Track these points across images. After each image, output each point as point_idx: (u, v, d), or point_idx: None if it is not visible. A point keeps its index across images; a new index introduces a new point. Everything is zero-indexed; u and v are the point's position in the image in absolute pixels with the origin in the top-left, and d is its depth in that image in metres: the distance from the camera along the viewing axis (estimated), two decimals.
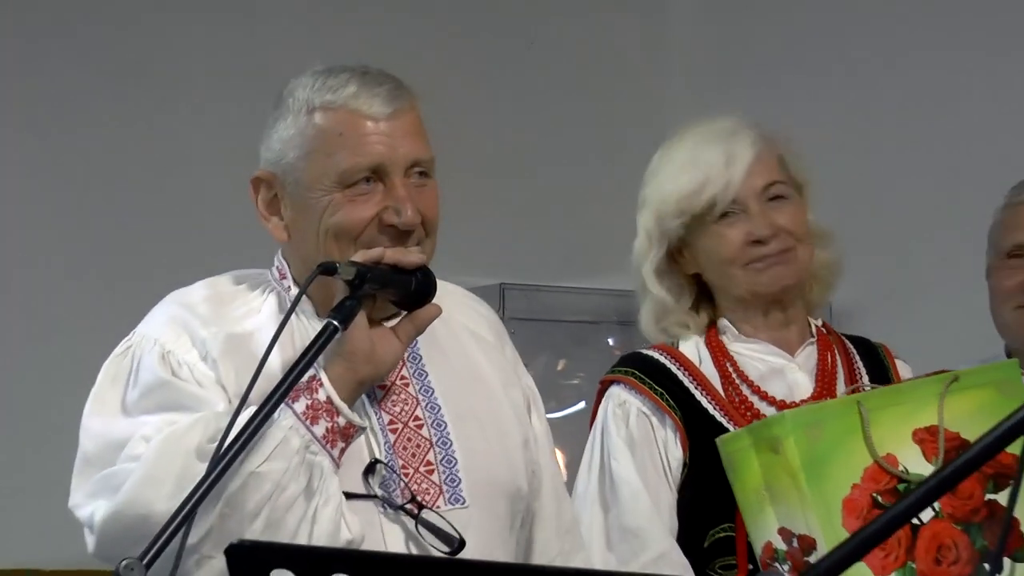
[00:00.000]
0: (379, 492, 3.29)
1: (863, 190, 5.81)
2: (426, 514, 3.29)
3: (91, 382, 3.38)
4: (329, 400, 3.22)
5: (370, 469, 3.29)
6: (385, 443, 3.33)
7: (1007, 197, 4.47)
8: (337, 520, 3.21)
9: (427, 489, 3.33)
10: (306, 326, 3.28)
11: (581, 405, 5.77)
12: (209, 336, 3.30)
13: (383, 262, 3.23)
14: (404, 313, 3.31)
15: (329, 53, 5.52)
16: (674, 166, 3.99)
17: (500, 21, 6.68)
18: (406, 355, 3.38)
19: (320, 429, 3.22)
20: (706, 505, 3.85)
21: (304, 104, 3.31)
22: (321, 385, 3.22)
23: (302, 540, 3.13)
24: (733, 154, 3.93)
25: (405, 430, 3.36)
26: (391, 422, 3.35)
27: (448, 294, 3.41)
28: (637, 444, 3.90)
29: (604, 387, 4.01)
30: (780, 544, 3.63)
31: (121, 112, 6.07)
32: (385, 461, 3.30)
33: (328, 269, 3.17)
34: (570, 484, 4.00)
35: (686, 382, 3.95)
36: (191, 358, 3.28)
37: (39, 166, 6.00)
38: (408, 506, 3.29)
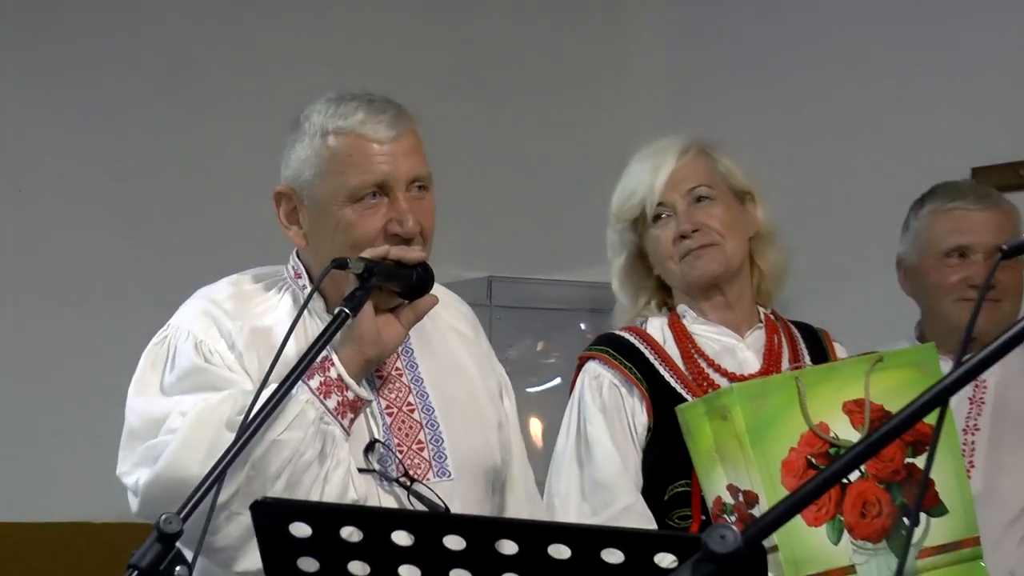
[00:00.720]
0: (377, 467, 3.33)
1: (804, 196, 5.80)
2: (417, 486, 3.33)
3: (130, 359, 3.42)
4: (340, 377, 3.27)
5: (370, 447, 3.33)
6: (383, 425, 3.37)
7: (935, 203, 4.44)
8: (346, 481, 3.26)
9: (418, 464, 3.38)
10: (317, 322, 3.31)
11: (557, 381, 5.75)
12: (235, 329, 3.34)
13: (388, 258, 3.27)
14: (406, 302, 3.34)
15: (339, 70, 5.66)
16: (621, 184, 4.02)
17: (493, 41, 6.65)
18: (400, 350, 3.42)
19: (332, 403, 3.27)
20: (666, 464, 3.87)
21: (319, 128, 3.34)
22: (333, 364, 3.27)
23: (315, 498, 3.18)
24: (658, 164, 3.94)
25: (399, 414, 3.40)
26: (387, 407, 3.40)
27: (436, 292, 3.42)
28: (609, 411, 3.92)
29: (581, 362, 4.02)
30: (728, 498, 3.64)
31: (162, 128, 6.06)
32: (383, 440, 3.35)
33: (340, 264, 3.21)
34: (549, 448, 4.05)
35: (651, 358, 3.96)
36: (220, 347, 3.32)
37: (91, 180, 6.01)
38: (402, 479, 3.33)
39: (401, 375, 3.46)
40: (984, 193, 4.42)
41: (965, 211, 4.34)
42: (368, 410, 3.36)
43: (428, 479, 3.37)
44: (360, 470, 3.32)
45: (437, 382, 3.49)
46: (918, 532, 3.71)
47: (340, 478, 3.26)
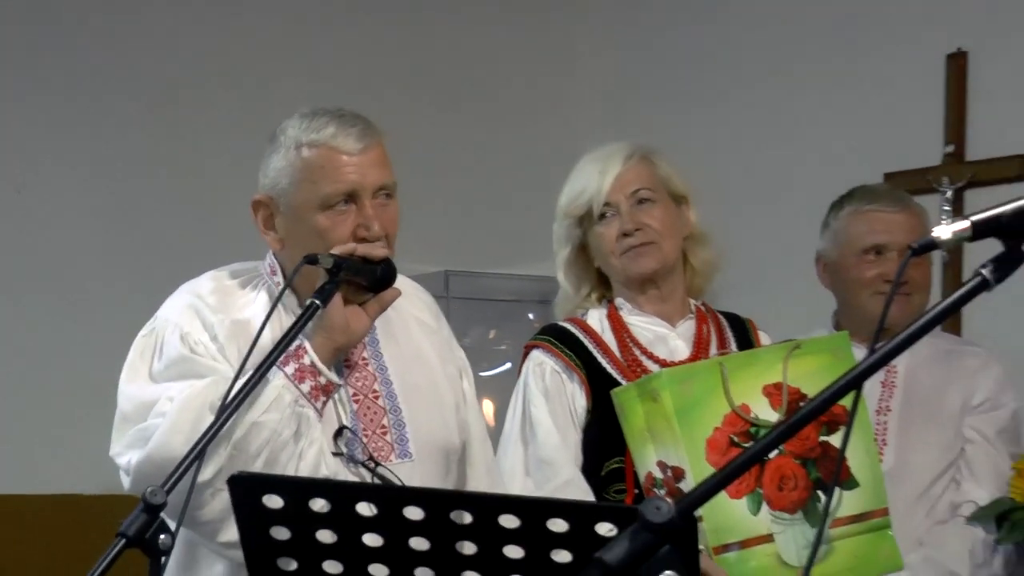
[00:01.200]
0: (345, 451, 3.34)
1: (733, 197, 5.82)
2: (380, 469, 3.35)
3: (119, 347, 3.43)
4: (313, 364, 3.29)
5: (339, 433, 3.34)
6: (350, 411, 3.39)
7: (853, 205, 4.44)
8: (319, 459, 3.28)
9: (382, 448, 3.39)
10: (291, 315, 3.31)
11: (507, 365, 5.75)
12: (217, 322, 3.35)
13: (356, 254, 3.30)
14: (371, 295, 3.36)
15: (313, 78, 5.66)
16: (569, 184, 4.04)
17: (451, 52, 6.64)
18: (366, 339, 3.44)
19: (306, 387, 3.29)
20: (603, 443, 3.88)
21: (293, 141, 3.35)
22: (306, 352, 3.29)
23: (291, 473, 3.20)
24: (606, 168, 3.95)
25: (365, 400, 3.42)
26: (354, 394, 3.41)
27: (400, 284, 3.44)
28: (551, 395, 3.93)
29: (527, 351, 4.03)
30: (658, 473, 3.66)
31: (153, 134, 6.05)
32: (350, 427, 3.36)
33: (312, 260, 3.24)
34: (500, 425, 4.06)
35: (590, 347, 3.97)
36: (204, 338, 3.33)
37: (86, 182, 6.00)
38: (367, 462, 3.34)
39: (367, 364, 3.47)
40: (898, 197, 4.43)
41: (881, 213, 4.35)
42: (336, 397, 3.38)
43: (391, 461, 3.38)
44: (332, 452, 3.33)
45: (400, 370, 3.50)
46: (832, 503, 3.73)
47: (314, 456, 3.28)
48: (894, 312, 4.12)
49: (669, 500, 1.99)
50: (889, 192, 4.49)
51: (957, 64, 5.74)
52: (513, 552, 2.60)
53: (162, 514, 2.78)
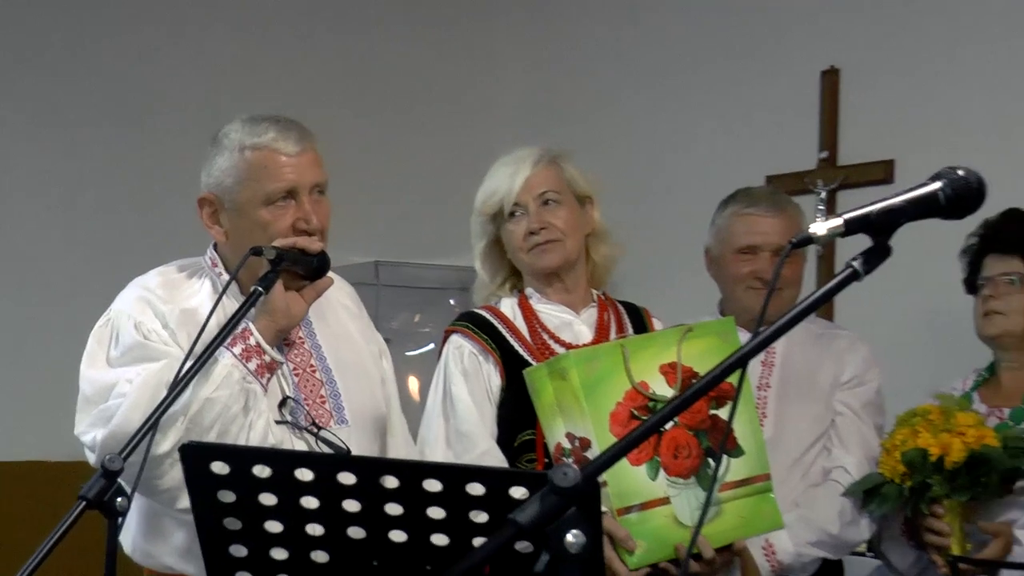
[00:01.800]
0: (290, 419, 3.36)
1: (632, 196, 5.84)
2: (323, 433, 3.37)
3: (79, 330, 3.44)
4: (258, 344, 3.31)
5: (283, 403, 3.36)
6: (292, 384, 3.41)
7: (734, 206, 4.43)
8: (266, 429, 3.29)
9: (321, 415, 3.41)
10: (234, 303, 3.31)
11: (431, 346, 5.76)
12: (167, 311, 3.36)
13: (295, 247, 3.31)
14: (308, 283, 3.37)
15: (257, 88, 5.64)
16: (484, 184, 4.04)
17: (383, 63, 6.66)
18: (301, 323, 3.46)
19: (252, 365, 3.30)
20: (516, 417, 3.89)
21: (237, 145, 3.35)
22: (252, 334, 3.31)
23: (242, 443, 3.21)
24: (516, 171, 3.95)
25: (304, 374, 3.44)
26: (295, 368, 3.43)
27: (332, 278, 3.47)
28: (469, 375, 3.94)
29: (447, 335, 4.04)
30: (566, 444, 3.68)
31: (111, 145, 6.04)
32: (293, 397, 3.38)
33: (257, 252, 3.25)
34: (424, 400, 4.06)
35: (503, 332, 3.98)
36: (156, 326, 3.33)
37: (52, 188, 6.00)
38: (310, 428, 3.37)
39: (304, 342, 3.49)
40: (775, 202, 4.41)
41: (757, 216, 4.35)
42: (280, 372, 3.39)
43: (331, 426, 3.40)
44: (276, 422, 3.34)
45: (332, 347, 3.52)
46: (720, 469, 3.76)
47: (262, 427, 3.29)
48: (771, 305, 4.11)
49: (575, 466, 1.99)
50: (768, 197, 4.48)
51: (830, 80, 5.78)
52: (436, 513, 2.60)
53: (120, 480, 2.76)
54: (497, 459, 3.86)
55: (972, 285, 4.29)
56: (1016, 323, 4.17)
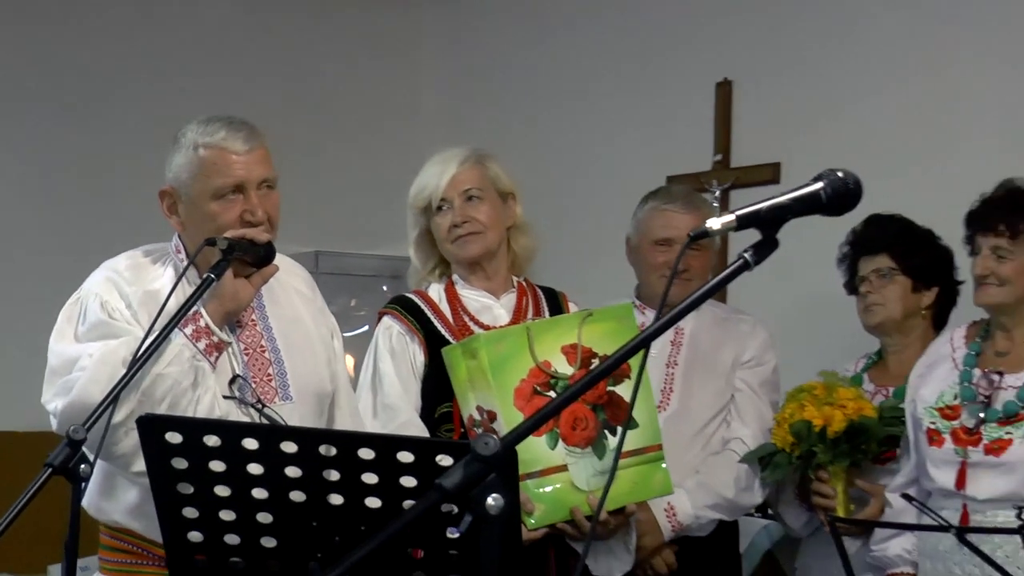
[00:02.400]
0: (238, 395, 3.34)
1: (553, 192, 5.83)
2: (266, 410, 3.35)
3: (50, 309, 3.40)
4: (207, 326, 3.30)
5: (232, 380, 3.34)
6: (242, 362, 3.38)
7: (654, 202, 4.46)
8: (213, 403, 3.27)
9: (267, 392, 3.38)
10: (193, 286, 3.27)
11: (365, 328, 5.73)
12: (131, 292, 3.33)
13: (245, 238, 3.30)
14: (255, 270, 3.36)
15: (209, 89, 5.61)
16: (417, 180, 4.04)
17: (322, 72, 6.65)
18: (254, 304, 3.45)
19: (202, 345, 3.29)
20: (436, 391, 3.89)
21: (192, 143, 3.33)
22: (202, 316, 3.29)
23: (190, 415, 3.19)
24: (444, 169, 3.96)
25: (254, 353, 3.41)
26: (245, 348, 3.40)
27: (281, 261, 3.45)
28: (396, 353, 3.94)
29: (379, 317, 4.04)
30: (477, 416, 3.70)
31: (73, 137, 6.00)
32: (242, 375, 3.36)
33: (211, 242, 3.25)
34: (358, 377, 4.06)
35: (429, 314, 3.97)
36: (120, 306, 3.31)
37: (23, 179, 5.95)
38: (255, 404, 3.34)
39: (255, 324, 3.46)
40: (690, 200, 4.44)
41: (672, 212, 4.37)
42: (231, 350, 3.37)
43: (275, 403, 3.38)
44: (225, 397, 3.32)
45: (281, 329, 3.50)
46: (617, 441, 3.78)
47: (208, 401, 3.27)
48: (676, 292, 4.12)
49: (496, 437, 2.00)
50: (684, 195, 4.50)
51: (724, 91, 5.80)
52: (369, 478, 2.60)
53: (84, 448, 2.75)
54: (418, 428, 3.87)
55: (852, 287, 4.35)
56: (894, 310, 4.23)
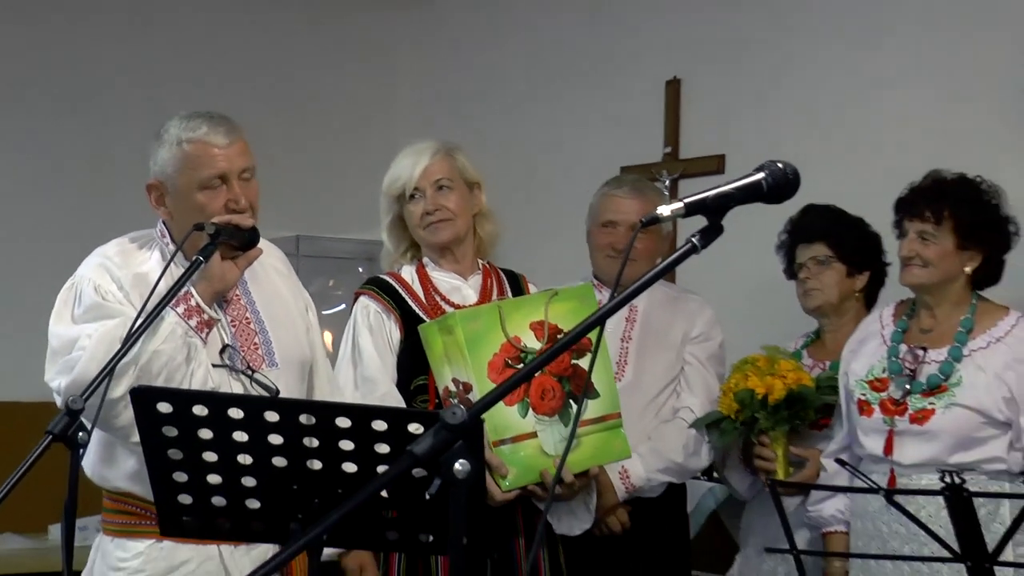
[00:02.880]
0: (228, 363, 3.33)
1: (515, 181, 5.83)
2: (256, 375, 3.35)
3: (49, 290, 3.39)
4: (198, 304, 3.29)
5: (223, 350, 3.33)
6: (230, 334, 3.37)
7: (604, 188, 4.48)
8: (205, 376, 3.27)
9: (255, 359, 3.38)
10: (180, 269, 3.27)
11: (342, 306, 5.71)
12: (122, 275, 3.32)
13: (231, 223, 3.29)
14: (241, 253, 3.35)
15: (196, 86, 5.58)
16: (391, 170, 4.03)
17: (303, 67, 6.62)
18: (238, 284, 3.43)
19: (193, 322, 3.28)
20: (412, 364, 3.87)
21: (175, 139, 3.32)
22: (192, 296, 3.28)
23: (184, 388, 3.19)
24: (416, 161, 3.95)
25: (241, 325, 3.41)
26: (232, 321, 3.40)
27: (264, 244, 3.45)
28: (373, 329, 3.93)
29: (356, 296, 4.02)
30: (452, 387, 3.69)
31: (71, 134, 5.97)
32: (231, 344, 3.35)
33: (199, 227, 3.24)
34: (336, 351, 4.04)
35: (403, 294, 3.96)
36: (112, 288, 3.30)
37: (25, 172, 5.92)
38: (245, 371, 3.34)
39: (240, 299, 3.45)
40: (636, 187, 4.46)
41: (618, 198, 4.38)
42: (220, 324, 3.36)
43: (263, 369, 3.38)
44: (217, 365, 3.32)
45: (264, 303, 3.49)
46: (579, 410, 3.79)
47: (202, 374, 3.27)
48: (624, 272, 4.15)
49: (463, 407, 2.00)
50: (632, 182, 4.51)
51: (673, 88, 5.80)
52: (346, 445, 2.60)
53: (82, 418, 2.75)
54: (396, 399, 3.85)
55: (791, 272, 4.37)
56: (831, 294, 4.25)
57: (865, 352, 3.94)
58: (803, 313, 4.37)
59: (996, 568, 2.85)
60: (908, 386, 3.77)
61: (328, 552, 3.27)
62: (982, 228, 3.78)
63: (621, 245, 4.35)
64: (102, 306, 3.27)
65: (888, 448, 3.76)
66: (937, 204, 3.76)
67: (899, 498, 3.20)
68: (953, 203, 3.76)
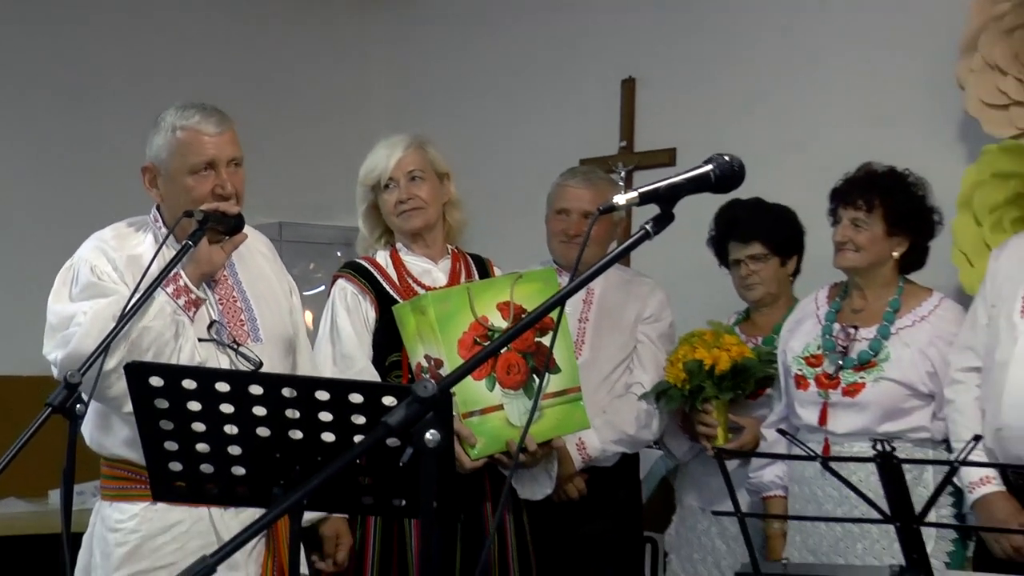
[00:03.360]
0: (215, 337, 3.32)
1: (481, 172, 5.81)
2: (241, 349, 3.35)
3: (50, 271, 3.38)
4: (186, 285, 3.28)
5: (211, 326, 3.33)
6: (218, 311, 3.36)
7: (560, 179, 4.49)
8: (192, 352, 3.26)
9: (241, 334, 3.37)
10: (172, 252, 3.27)
11: (322, 288, 5.68)
12: (117, 257, 3.32)
13: (218, 211, 3.28)
14: (227, 238, 3.35)
15: (186, 80, 5.52)
16: (367, 161, 4.02)
17: (285, 64, 6.59)
18: (226, 266, 3.43)
19: (181, 301, 3.27)
20: (386, 342, 3.86)
21: (170, 126, 3.32)
22: (181, 277, 3.27)
23: (173, 363, 3.19)
24: (391, 153, 3.95)
25: (228, 303, 3.40)
26: (220, 299, 3.39)
27: (250, 231, 3.46)
28: (351, 310, 3.91)
29: (335, 279, 4.01)
30: (424, 363, 3.67)
31: (70, 124, 5.93)
32: (218, 320, 3.35)
33: (189, 214, 3.24)
34: (316, 330, 4.03)
35: (378, 277, 3.94)
36: (108, 269, 3.29)
37: (25, 157, 5.86)
38: (231, 345, 3.33)
39: (228, 280, 3.45)
40: (589, 177, 4.46)
41: (571, 187, 4.39)
42: (208, 302, 3.36)
43: (248, 343, 3.37)
44: (204, 340, 3.31)
45: (250, 283, 3.49)
46: (542, 384, 3.79)
47: (189, 350, 3.26)
48: (571, 257, 4.26)
49: (433, 381, 2.00)
50: (585, 173, 4.52)
51: (628, 87, 5.80)
52: (325, 416, 2.60)
53: (80, 391, 2.76)
54: (372, 375, 3.84)
55: (724, 261, 4.38)
56: (770, 285, 4.30)
57: (802, 331, 3.97)
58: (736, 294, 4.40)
59: (922, 528, 2.87)
60: (840, 362, 3.80)
61: (307, 517, 3.27)
62: (909, 217, 3.81)
63: (573, 231, 4.36)
64: (97, 285, 3.26)
65: (823, 419, 3.79)
66: (869, 194, 3.79)
67: (834, 465, 3.22)
68: (883, 193, 3.79)
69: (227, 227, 3.31)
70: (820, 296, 4.01)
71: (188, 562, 3.17)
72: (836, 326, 3.87)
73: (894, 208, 3.78)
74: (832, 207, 3.91)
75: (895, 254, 3.83)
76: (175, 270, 3.23)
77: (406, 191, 3.93)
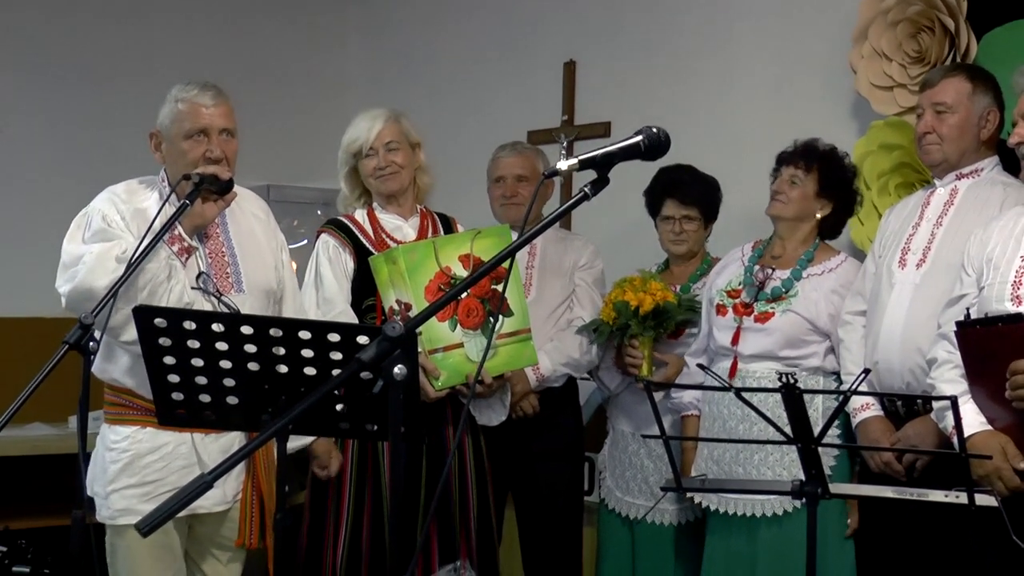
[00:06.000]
0: (202, 286, 3.32)
1: (445, 142, 5.77)
2: (224, 298, 3.34)
3: (66, 219, 3.38)
4: (180, 235, 3.28)
5: (199, 276, 3.32)
6: (207, 263, 3.36)
7: (494, 152, 4.53)
8: (182, 293, 3.27)
9: (225, 285, 3.37)
10: (173, 207, 3.27)
11: (305, 242, 5.62)
12: (125, 209, 3.33)
13: (212, 174, 3.29)
14: (219, 197, 3.34)
15: (188, 61, 5.44)
16: (349, 131, 4.02)
17: (273, 48, 6.49)
18: (219, 221, 3.42)
19: (175, 248, 3.28)
20: (363, 288, 3.86)
21: (174, 97, 3.37)
22: (177, 227, 3.28)
23: (164, 302, 3.20)
24: (372, 125, 3.95)
25: (216, 256, 3.40)
26: (209, 252, 3.38)
27: (245, 193, 3.50)
28: (332, 260, 3.91)
29: (319, 234, 4.00)
30: (396, 307, 3.68)
31: (96, 100, 5.83)
32: (206, 272, 3.34)
33: (187, 177, 3.27)
34: (300, 278, 4.00)
35: (356, 231, 3.94)
36: (117, 218, 3.30)
37: (51, 124, 5.76)
38: (215, 293, 3.33)
39: (218, 235, 3.44)
40: (516, 148, 4.52)
41: (502, 158, 4.49)
42: (198, 254, 3.35)
43: (231, 293, 3.37)
44: (192, 288, 3.31)
45: (238, 239, 3.47)
46: (497, 326, 3.80)
47: (179, 291, 3.26)
48: (511, 217, 4.33)
49: (401, 323, 1.99)
50: (513, 145, 4.56)
51: (569, 68, 5.75)
52: (307, 353, 2.59)
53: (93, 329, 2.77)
54: (350, 317, 3.84)
55: (655, 212, 4.37)
56: (695, 244, 4.33)
57: (727, 272, 4.03)
58: (659, 247, 4.40)
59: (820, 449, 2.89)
60: (756, 295, 3.84)
61: (292, 445, 3.26)
62: (838, 186, 3.88)
63: (509, 193, 4.42)
64: (106, 231, 3.26)
65: (735, 340, 3.83)
66: (809, 158, 3.87)
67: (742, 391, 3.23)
68: (821, 160, 3.88)
69: (219, 188, 3.32)
70: (746, 248, 4.07)
71: (172, 478, 3.28)
72: (756, 267, 3.92)
73: (827, 174, 3.86)
74: (776, 167, 3.95)
75: (818, 215, 3.88)
76: (174, 223, 3.24)
77: (384, 158, 3.94)
